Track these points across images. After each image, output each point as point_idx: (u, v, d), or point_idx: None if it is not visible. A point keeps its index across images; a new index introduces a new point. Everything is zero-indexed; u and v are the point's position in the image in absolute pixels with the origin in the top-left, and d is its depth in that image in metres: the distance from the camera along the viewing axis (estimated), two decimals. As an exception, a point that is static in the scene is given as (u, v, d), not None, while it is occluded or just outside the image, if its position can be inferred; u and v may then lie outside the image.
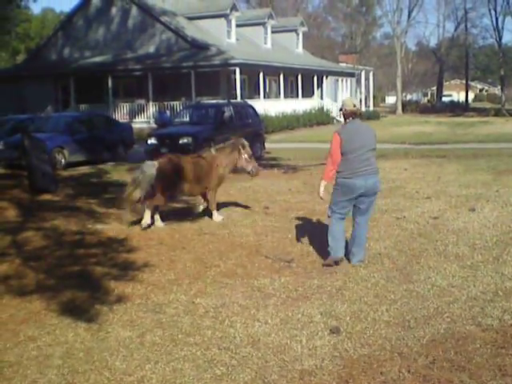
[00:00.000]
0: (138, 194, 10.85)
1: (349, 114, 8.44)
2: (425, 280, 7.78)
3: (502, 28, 69.37)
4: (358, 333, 6.17)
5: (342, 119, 8.67)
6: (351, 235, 8.75)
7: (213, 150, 12.13)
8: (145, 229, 11.10)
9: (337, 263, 8.52)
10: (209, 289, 7.74)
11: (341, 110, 8.59)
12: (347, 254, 8.68)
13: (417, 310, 6.77)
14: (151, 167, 11.04)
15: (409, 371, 5.32)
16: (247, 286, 7.81)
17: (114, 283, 8.04)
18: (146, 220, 11.18)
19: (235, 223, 11.56)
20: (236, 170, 12.55)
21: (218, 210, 12.00)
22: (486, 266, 8.30)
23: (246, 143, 12.13)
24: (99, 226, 11.56)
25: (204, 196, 12.11)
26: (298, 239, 10.12)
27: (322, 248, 9.42)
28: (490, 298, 7.10)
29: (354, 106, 8.48)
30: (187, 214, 12.26)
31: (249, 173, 12.29)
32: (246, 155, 12.00)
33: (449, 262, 8.57)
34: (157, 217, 11.47)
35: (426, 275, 7.97)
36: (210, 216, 11.94)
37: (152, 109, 38.40)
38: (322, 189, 8.64)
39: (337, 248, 8.53)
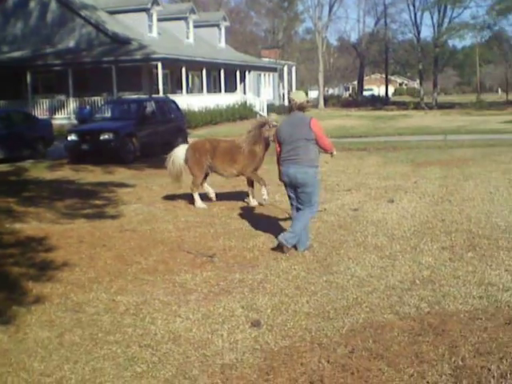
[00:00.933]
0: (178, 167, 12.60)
1: (289, 108, 8.96)
2: (344, 271, 7.90)
3: (421, 23, 71.27)
4: (278, 325, 6.21)
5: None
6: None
7: (244, 136, 12.35)
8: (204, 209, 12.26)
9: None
10: (130, 286, 7.66)
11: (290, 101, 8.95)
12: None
13: (336, 300, 6.86)
14: (182, 149, 12.73)
15: (328, 361, 5.38)
16: (169, 282, 7.76)
17: (32, 283, 7.85)
18: (199, 204, 12.47)
19: (157, 219, 11.48)
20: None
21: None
22: (403, 256, 8.48)
23: (267, 117, 12.86)
24: (17, 225, 11.29)
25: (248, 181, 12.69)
26: (220, 234, 10.11)
27: (244, 242, 9.47)
28: (407, 286, 7.25)
29: (293, 99, 8.80)
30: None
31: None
32: (271, 125, 11.74)
33: (368, 252, 8.72)
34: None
35: (346, 266, 8.09)
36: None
37: (73, 104, 37.76)
38: None
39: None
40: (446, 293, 6.98)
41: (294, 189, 8.70)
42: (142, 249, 9.38)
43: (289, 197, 8.95)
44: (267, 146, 11.99)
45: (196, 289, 7.45)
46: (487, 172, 15.68)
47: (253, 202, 12.46)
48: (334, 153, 9.29)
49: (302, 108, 8.74)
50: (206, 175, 12.71)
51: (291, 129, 8.58)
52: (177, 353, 5.69)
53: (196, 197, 12.47)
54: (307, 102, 8.83)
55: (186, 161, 12.51)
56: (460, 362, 5.28)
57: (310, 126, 8.53)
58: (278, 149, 8.80)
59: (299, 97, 8.84)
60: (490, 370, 5.14)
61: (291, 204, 8.97)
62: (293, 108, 8.74)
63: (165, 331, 6.19)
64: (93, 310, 6.86)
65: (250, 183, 12.52)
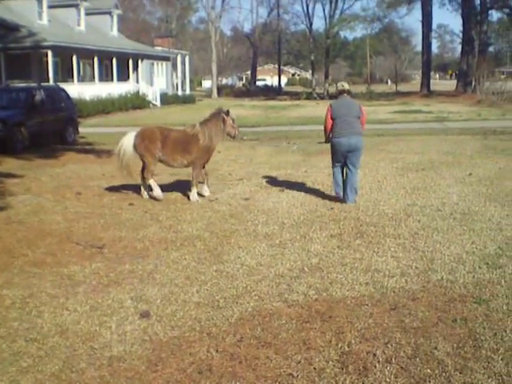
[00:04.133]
0: (128, 162, 12.01)
1: (339, 92, 11.41)
2: (235, 260, 7.94)
3: (313, 14, 72.05)
4: (168, 315, 6.18)
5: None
6: (345, 182, 11.17)
7: (197, 125, 11.96)
8: (155, 199, 11.80)
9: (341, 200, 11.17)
10: (16, 279, 7.43)
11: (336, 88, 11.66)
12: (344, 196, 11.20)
13: (226, 289, 6.89)
14: (130, 137, 11.94)
15: (217, 350, 5.40)
16: (56, 274, 7.58)
17: None
18: (158, 192, 11.82)
19: (45, 210, 11.18)
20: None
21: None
22: (293, 244, 8.60)
23: (227, 109, 12.10)
24: None
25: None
26: (110, 225, 9.96)
27: (134, 233, 9.37)
28: (296, 274, 7.36)
29: (343, 86, 11.46)
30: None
31: (234, 137, 12.37)
32: (230, 121, 11.94)
33: (258, 241, 8.79)
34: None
35: (236, 255, 8.13)
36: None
37: (-43, 93, 36.21)
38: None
39: (339, 189, 11.26)
40: (333, 280, 7.12)
41: (347, 153, 11.00)
42: (30, 241, 9.11)
43: (338, 162, 11.25)
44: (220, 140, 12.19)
45: (84, 281, 7.32)
46: (375, 161, 16.09)
47: (206, 192, 12.11)
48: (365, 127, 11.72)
49: (349, 93, 11.49)
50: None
51: (347, 108, 11.10)
52: (64, 346, 5.58)
53: (153, 184, 11.84)
54: (342, 86, 11.44)
55: (135, 148, 11.89)
56: (346, 348, 5.40)
57: (361, 108, 11.32)
58: (331, 122, 11.04)
59: (346, 85, 11.53)
60: (375, 355, 5.28)
61: (334, 164, 11.35)
62: (342, 93, 11.31)
63: (52, 324, 6.05)
64: (-24, 305, 6.63)
65: (191, 177, 12.06)
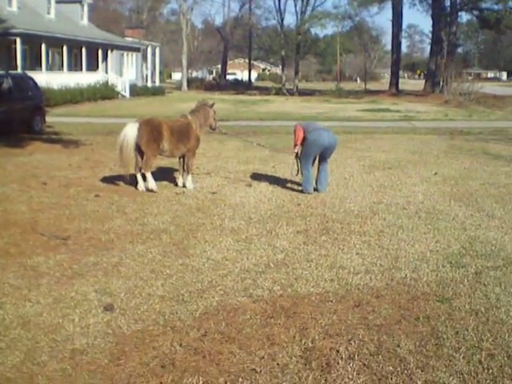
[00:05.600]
0: (130, 153, 11.60)
1: None
2: (200, 254, 7.92)
3: (284, 10, 72.00)
4: (131, 309, 6.15)
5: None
6: (320, 173, 11.97)
7: (188, 115, 12.39)
8: (151, 191, 11.73)
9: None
10: (-23, 269, 7.36)
11: None
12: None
13: (191, 283, 6.87)
14: (133, 127, 11.62)
15: (180, 345, 5.39)
16: (20, 265, 7.48)
17: None
18: (153, 185, 11.79)
19: (10, 200, 11.04)
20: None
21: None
22: (259, 239, 8.61)
23: (212, 103, 12.85)
24: None
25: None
26: (75, 216, 9.88)
27: (99, 224, 9.30)
28: (261, 269, 7.37)
29: None
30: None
31: (214, 129, 13.06)
32: (213, 113, 12.72)
33: (224, 235, 8.79)
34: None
35: (202, 249, 8.12)
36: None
37: None
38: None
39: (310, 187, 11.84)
40: (298, 276, 7.15)
41: (324, 149, 11.69)
42: (-7, 231, 9.00)
43: (313, 159, 11.89)
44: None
45: (48, 272, 7.24)
46: (343, 158, 16.16)
47: (190, 185, 12.20)
48: None
49: None
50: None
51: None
52: (26, 338, 5.52)
53: (149, 177, 11.75)
54: None
55: (139, 139, 11.60)
56: (310, 344, 5.43)
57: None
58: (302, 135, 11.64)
59: None
60: (338, 351, 5.32)
61: (310, 167, 11.81)
62: None
63: (14, 316, 5.97)
64: None
65: (187, 166, 12.26)
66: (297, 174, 12.15)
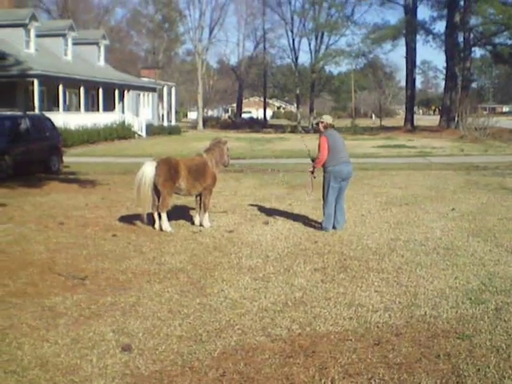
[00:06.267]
0: (148, 192, 11.61)
1: (326, 126, 11.87)
2: (218, 293, 7.89)
3: (299, 49, 72.51)
4: (150, 349, 6.12)
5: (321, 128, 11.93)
6: (337, 208, 11.82)
7: (203, 153, 12.43)
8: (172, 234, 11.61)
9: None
10: (-4, 310, 7.36)
11: (322, 122, 12.00)
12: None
13: (209, 323, 6.83)
14: (151, 166, 11.66)
15: (199, 385, 5.35)
16: (38, 305, 7.50)
17: None
18: (167, 226, 11.79)
19: (28, 240, 11.09)
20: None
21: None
22: (277, 278, 8.57)
23: (225, 140, 12.97)
24: None
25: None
26: (92, 256, 9.89)
27: (117, 264, 9.31)
28: (279, 308, 7.32)
29: (332, 121, 12.16)
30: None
31: (226, 166, 12.94)
32: (226, 150, 12.66)
33: (242, 274, 8.75)
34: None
35: (220, 288, 8.09)
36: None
37: None
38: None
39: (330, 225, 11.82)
40: (317, 314, 7.09)
41: (341, 181, 11.72)
42: (11, 271, 9.02)
43: (332, 190, 11.65)
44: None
45: (66, 312, 7.24)
46: (360, 195, 16.14)
47: (207, 224, 12.20)
48: None
49: (333, 127, 12.06)
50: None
51: (341, 139, 12.03)
52: (44, 379, 5.50)
53: (164, 217, 11.76)
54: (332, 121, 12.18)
55: (156, 178, 11.60)
56: (329, 384, 5.36)
57: None
58: (326, 154, 11.58)
59: (330, 119, 12.19)
60: (358, 390, 5.25)
61: (332, 195, 11.67)
62: (327, 126, 11.87)
63: (32, 357, 5.96)
64: (-45, 336, 6.53)
65: (203, 205, 12.29)
66: (310, 194, 12.68)
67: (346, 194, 12.10)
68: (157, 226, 11.85)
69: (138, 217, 12.22)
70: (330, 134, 11.79)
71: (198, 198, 12.33)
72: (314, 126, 12.68)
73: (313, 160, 12.03)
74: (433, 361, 5.81)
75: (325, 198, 11.79)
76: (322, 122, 11.96)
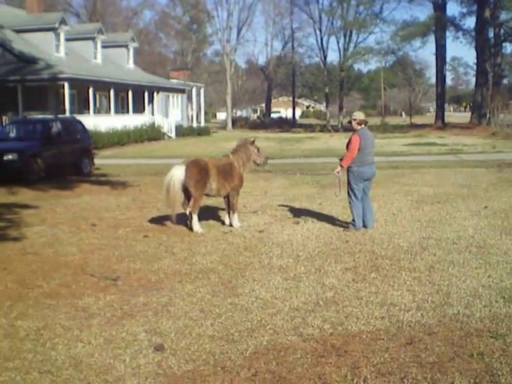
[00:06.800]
0: (176, 195, 11.70)
1: (360, 123, 11.73)
2: (249, 293, 7.90)
3: (327, 47, 72.34)
4: (182, 349, 6.14)
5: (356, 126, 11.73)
6: (364, 208, 11.81)
7: (230, 154, 12.53)
8: (203, 234, 11.65)
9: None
10: (30, 310, 7.44)
11: (354, 119, 11.75)
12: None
13: (241, 322, 6.85)
14: (180, 169, 11.73)
15: (231, 384, 5.36)
16: (71, 306, 7.58)
17: None
18: (198, 227, 11.89)
19: (60, 241, 11.22)
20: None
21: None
22: (308, 277, 8.55)
23: (252, 139, 12.90)
24: None
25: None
26: (124, 256, 9.97)
27: (149, 265, 9.36)
28: (311, 308, 7.31)
29: (365, 117, 12.02)
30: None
31: (258, 164, 12.94)
32: (255, 150, 12.62)
33: (273, 274, 8.76)
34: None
35: (251, 288, 8.10)
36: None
37: (-24, 124, 36.62)
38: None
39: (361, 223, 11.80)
40: (348, 314, 7.07)
41: (365, 182, 11.75)
42: (45, 272, 9.13)
43: (357, 190, 11.66)
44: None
45: (99, 313, 7.31)
46: (390, 194, 16.06)
47: (237, 224, 12.26)
48: None
49: (366, 123, 11.98)
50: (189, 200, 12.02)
51: (371, 140, 11.95)
52: (77, 379, 5.55)
53: (195, 220, 11.86)
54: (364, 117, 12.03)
55: (186, 180, 11.70)
56: (362, 383, 5.34)
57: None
58: (355, 154, 11.51)
59: (362, 115, 12.03)
60: (391, 390, 5.22)
61: (357, 195, 11.67)
62: (361, 123, 11.73)
63: (66, 357, 6.03)
64: (-9, 337, 6.62)
65: (232, 205, 12.33)
66: (338, 194, 12.43)
67: (374, 192, 12.05)
68: (194, 227, 11.96)
69: (168, 218, 12.28)
70: (363, 134, 11.66)
71: (226, 199, 12.37)
72: (346, 124, 12.58)
73: (341, 159, 11.91)
74: (466, 360, 5.76)
75: (349, 197, 11.79)
76: (355, 119, 11.75)
